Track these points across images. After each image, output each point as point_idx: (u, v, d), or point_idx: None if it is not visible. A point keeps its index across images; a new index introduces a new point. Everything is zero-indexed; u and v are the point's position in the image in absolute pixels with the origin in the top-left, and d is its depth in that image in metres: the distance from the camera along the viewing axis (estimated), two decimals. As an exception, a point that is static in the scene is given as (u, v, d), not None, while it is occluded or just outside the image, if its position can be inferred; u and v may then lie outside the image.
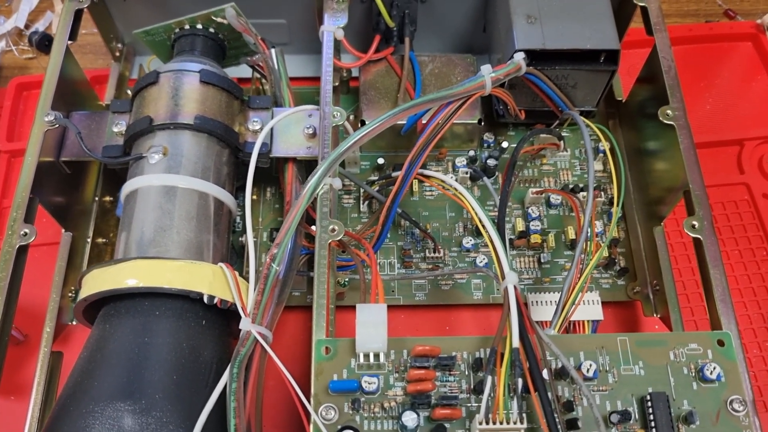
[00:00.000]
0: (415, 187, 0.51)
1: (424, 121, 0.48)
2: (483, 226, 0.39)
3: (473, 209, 0.40)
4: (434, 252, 0.49)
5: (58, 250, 0.46)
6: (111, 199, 0.50)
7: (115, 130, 0.45)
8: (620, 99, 0.54)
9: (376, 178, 0.51)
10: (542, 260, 0.49)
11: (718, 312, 0.38)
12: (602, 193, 0.51)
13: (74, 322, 0.47)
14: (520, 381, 0.33)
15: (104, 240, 0.49)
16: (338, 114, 0.44)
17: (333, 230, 0.40)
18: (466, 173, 0.51)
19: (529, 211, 0.50)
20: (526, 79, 0.47)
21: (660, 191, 0.47)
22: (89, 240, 0.48)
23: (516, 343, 0.34)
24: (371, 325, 0.36)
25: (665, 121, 0.43)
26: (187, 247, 0.40)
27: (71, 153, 0.45)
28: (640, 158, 0.50)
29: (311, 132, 0.46)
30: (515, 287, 0.36)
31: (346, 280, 0.47)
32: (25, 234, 0.40)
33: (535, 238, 0.49)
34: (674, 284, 0.46)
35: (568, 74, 0.48)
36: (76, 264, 0.47)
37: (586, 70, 0.48)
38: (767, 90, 0.59)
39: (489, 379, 0.34)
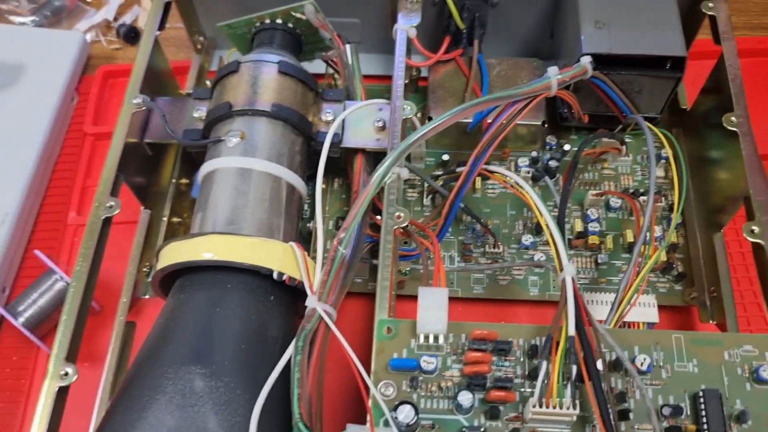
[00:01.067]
0: (478, 184, 0.53)
1: (489, 120, 0.50)
2: (543, 218, 0.40)
3: (534, 203, 0.42)
4: (494, 248, 0.50)
5: (137, 227, 0.49)
6: (187, 181, 0.52)
7: (196, 115, 0.48)
8: (684, 107, 0.54)
9: (441, 173, 0.53)
10: (599, 261, 0.49)
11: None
12: (663, 198, 0.52)
13: (147, 296, 0.50)
14: (574, 368, 0.34)
15: (179, 219, 0.52)
16: (408, 107, 0.45)
17: (399, 217, 0.42)
18: (528, 173, 0.52)
19: (588, 212, 0.51)
20: (591, 82, 0.48)
21: (721, 199, 0.47)
22: (165, 219, 0.51)
23: (572, 331, 0.35)
24: (433, 307, 0.37)
25: (729, 128, 0.44)
26: (259, 226, 0.42)
27: (154, 135, 0.48)
28: (702, 166, 0.50)
29: (381, 125, 0.48)
30: (573, 279, 0.37)
31: (408, 269, 0.49)
32: (111, 206, 0.43)
33: (593, 239, 0.49)
34: (732, 292, 0.46)
35: (634, 80, 0.49)
36: (151, 242, 0.50)
37: (652, 77, 0.48)
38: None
39: (544, 364, 0.35)
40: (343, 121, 0.48)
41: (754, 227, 0.41)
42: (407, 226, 0.42)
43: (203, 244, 0.40)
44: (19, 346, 0.51)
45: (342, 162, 0.52)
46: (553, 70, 0.45)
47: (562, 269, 0.38)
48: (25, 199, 0.53)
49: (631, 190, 0.52)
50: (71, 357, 0.39)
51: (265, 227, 0.42)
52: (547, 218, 0.40)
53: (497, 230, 0.51)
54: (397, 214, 0.42)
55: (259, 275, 0.40)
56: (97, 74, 0.62)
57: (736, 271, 0.50)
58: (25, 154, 0.55)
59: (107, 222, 0.44)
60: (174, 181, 0.52)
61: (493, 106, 0.46)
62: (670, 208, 0.51)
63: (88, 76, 0.63)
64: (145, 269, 0.49)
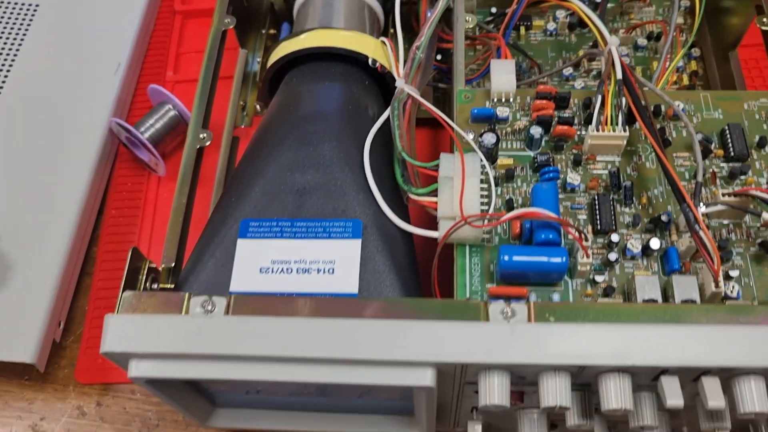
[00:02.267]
0: (522, 31, 0.61)
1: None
2: (584, 12, 0.49)
3: (579, 7, 0.50)
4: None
5: (236, 65, 0.58)
6: (274, 31, 0.61)
7: (287, -35, 0.57)
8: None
9: (491, 19, 0.61)
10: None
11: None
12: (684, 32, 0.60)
13: (243, 125, 0.58)
14: (623, 99, 0.43)
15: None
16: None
17: (467, 20, 0.50)
18: (566, 18, 0.60)
19: (619, 50, 0.59)
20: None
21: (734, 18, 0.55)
22: (259, 61, 0.59)
23: (619, 74, 0.43)
24: (504, 73, 0.46)
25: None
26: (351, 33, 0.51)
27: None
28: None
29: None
30: (617, 48, 0.45)
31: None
32: (228, 21, 0.52)
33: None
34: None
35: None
36: (248, 79, 0.58)
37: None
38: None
39: (599, 97, 0.43)
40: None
41: (764, 19, 0.49)
42: (481, 27, 0.50)
43: (308, 37, 0.48)
44: (132, 174, 0.59)
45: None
46: None
47: (606, 43, 0.46)
48: (130, 55, 0.62)
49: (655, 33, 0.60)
50: (205, 125, 0.47)
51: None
52: (585, 8, 0.48)
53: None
54: (466, 17, 0.50)
55: (356, 64, 0.48)
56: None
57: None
58: (127, 26, 0.63)
59: (222, 40, 0.52)
60: (264, 31, 0.60)
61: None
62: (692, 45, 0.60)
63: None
64: (242, 103, 0.58)
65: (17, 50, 0.60)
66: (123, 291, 0.37)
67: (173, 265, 0.42)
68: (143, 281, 0.40)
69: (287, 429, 0.47)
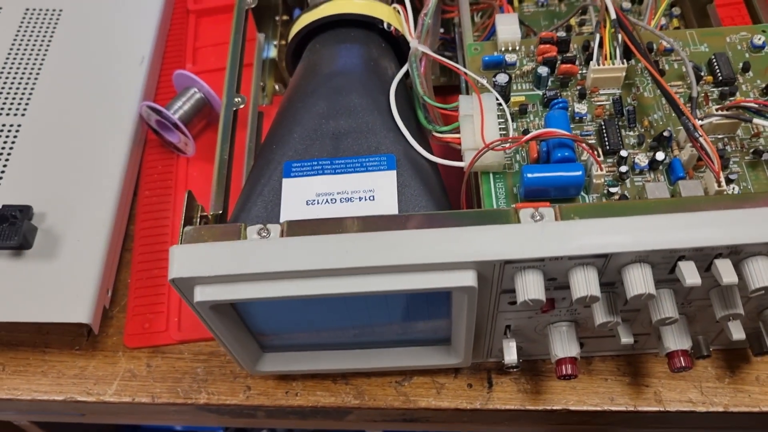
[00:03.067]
0: (516, 3, 0.66)
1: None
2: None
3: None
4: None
5: (255, 47, 0.62)
6: (287, 18, 0.65)
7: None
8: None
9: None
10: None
11: (757, 11, 0.51)
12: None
13: (264, 104, 0.62)
14: (620, 37, 0.47)
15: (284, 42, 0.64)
16: None
17: (471, -16, 0.55)
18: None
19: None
20: None
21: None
22: (275, 44, 0.64)
23: (613, 15, 0.48)
24: (508, 24, 0.50)
25: None
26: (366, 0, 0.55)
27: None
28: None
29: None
30: (609, -6, 0.50)
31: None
32: (250, 1, 0.56)
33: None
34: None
35: None
36: (266, 63, 0.63)
37: None
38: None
39: (597, 37, 0.48)
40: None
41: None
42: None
43: (327, 6, 0.53)
44: (161, 158, 0.63)
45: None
46: None
47: (599, -8, 0.51)
48: (153, 48, 0.66)
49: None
50: (238, 89, 0.51)
51: (368, 4, 0.55)
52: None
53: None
54: (469, -18, 0.55)
55: (373, 29, 0.53)
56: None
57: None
58: (147, 24, 0.68)
59: (246, 18, 0.56)
60: (277, 18, 0.65)
61: None
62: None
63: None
64: (261, 84, 0.62)
65: (46, 51, 0.65)
66: (183, 227, 0.41)
67: (220, 212, 0.45)
68: (198, 223, 0.43)
69: (333, 369, 0.50)
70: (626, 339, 0.44)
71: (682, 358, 0.44)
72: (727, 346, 0.50)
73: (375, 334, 0.48)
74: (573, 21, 0.61)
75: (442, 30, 0.63)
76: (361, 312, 0.44)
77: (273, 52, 0.64)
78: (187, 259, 0.39)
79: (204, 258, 0.39)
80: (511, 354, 0.46)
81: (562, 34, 0.61)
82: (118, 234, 0.57)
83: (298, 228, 0.40)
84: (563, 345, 0.45)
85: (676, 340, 0.44)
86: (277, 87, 0.63)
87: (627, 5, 0.63)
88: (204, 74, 0.67)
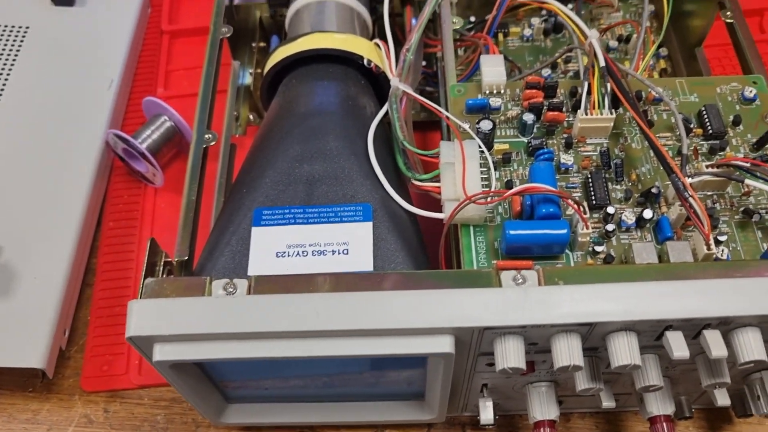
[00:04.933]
0: (500, 38, 0.64)
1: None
2: (563, 12, 0.52)
3: (558, 7, 0.53)
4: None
5: (230, 76, 0.60)
6: (264, 44, 0.63)
7: (279, -22, 0.59)
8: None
9: (471, 26, 0.64)
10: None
11: (748, 60, 0.50)
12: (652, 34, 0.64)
13: (237, 135, 0.60)
14: (608, 86, 0.45)
15: (260, 70, 0.62)
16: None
17: (454, 22, 0.53)
18: (541, 24, 0.64)
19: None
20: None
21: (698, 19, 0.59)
22: (251, 72, 0.61)
23: (602, 62, 0.46)
24: (493, 65, 0.48)
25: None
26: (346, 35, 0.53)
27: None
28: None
29: (424, -19, 0.59)
30: (597, 41, 0.48)
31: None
32: (225, 30, 0.54)
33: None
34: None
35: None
36: (241, 90, 0.60)
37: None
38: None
39: (586, 84, 0.46)
40: (396, -23, 0.59)
41: (728, 12, 0.53)
42: (461, 34, 0.53)
43: (305, 40, 0.50)
44: (128, 187, 0.60)
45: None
46: None
47: (587, 38, 0.49)
48: (122, 72, 0.63)
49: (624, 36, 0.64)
50: (209, 125, 0.48)
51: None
52: (563, 8, 0.52)
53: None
54: (453, 20, 0.53)
55: (352, 65, 0.51)
56: (166, -11, 0.73)
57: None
58: (117, 45, 0.65)
59: (220, 48, 0.54)
60: (254, 45, 0.62)
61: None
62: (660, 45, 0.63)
63: (158, -9, 0.74)
64: (235, 113, 0.60)
65: (9, 71, 0.62)
66: (144, 279, 0.38)
67: (186, 258, 0.43)
68: (160, 272, 0.41)
69: (300, 422, 0.47)
70: (608, 403, 0.42)
71: (664, 425, 0.42)
72: (709, 406, 0.48)
73: (346, 385, 0.46)
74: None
75: (424, 63, 0.61)
76: (332, 363, 0.42)
77: (248, 80, 0.62)
78: (146, 315, 0.37)
79: (165, 315, 0.37)
80: (487, 413, 0.44)
81: (548, 71, 0.60)
82: (79, 268, 0.55)
83: (266, 284, 0.37)
84: (542, 407, 0.43)
85: (659, 405, 0.43)
86: (251, 117, 0.61)
87: (614, 44, 0.62)
88: (176, 99, 0.64)
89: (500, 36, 0.64)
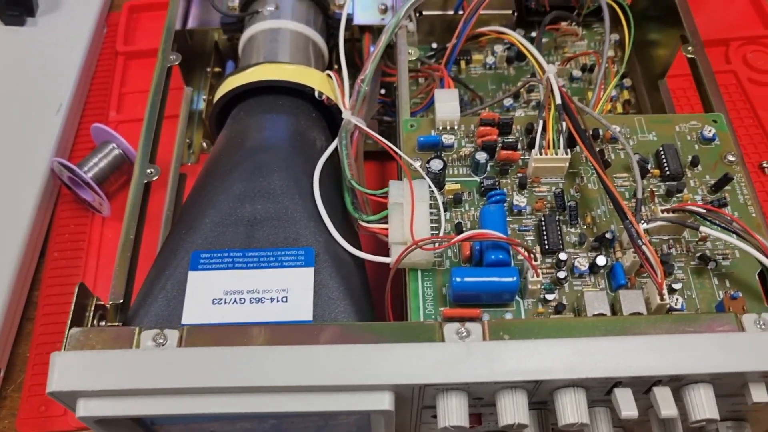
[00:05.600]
0: (463, 65, 0.63)
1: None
2: (520, 42, 0.50)
3: (517, 39, 0.52)
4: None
5: (182, 102, 0.58)
6: (219, 69, 0.61)
7: (230, 5, 0.57)
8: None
9: (432, 53, 0.63)
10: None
11: (709, 97, 0.49)
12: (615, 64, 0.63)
13: (190, 163, 0.58)
14: (563, 124, 0.44)
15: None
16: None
17: (410, 53, 0.51)
18: (504, 52, 0.62)
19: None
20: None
21: (661, 50, 0.58)
22: (204, 98, 0.59)
23: (558, 100, 0.45)
24: (447, 101, 0.47)
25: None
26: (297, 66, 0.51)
27: (196, 23, 0.57)
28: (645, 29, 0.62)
29: (383, 8, 0.58)
30: (554, 76, 0.47)
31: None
32: (173, 58, 0.52)
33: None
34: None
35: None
36: (194, 116, 0.58)
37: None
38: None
39: (540, 122, 0.45)
40: (353, 3, 0.58)
41: (689, 47, 0.52)
42: (422, 62, 0.52)
43: (255, 71, 0.49)
44: (75, 215, 0.58)
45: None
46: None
47: (544, 72, 0.48)
48: (72, 95, 0.61)
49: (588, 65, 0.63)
50: (152, 160, 0.47)
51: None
52: (523, 41, 0.50)
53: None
54: (409, 51, 0.52)
55: (303, 97, 0.49)
56: (123, 9, 0.70)
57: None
58: (69, 67, 0.63)
59: (168, 76, 0.52)
60: (209, 70, 0.61)
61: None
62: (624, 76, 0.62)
63: (115, 12, 0.71)
64: (188, 141, 0.58)
65: (-48, 93, 0.59)
66: (70, 328, 0.36)
67: (121, 301, 0.41)
68: (90, 318, 0.39)
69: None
70: (559, 456, 0.41)
71: (618, 477, 0.41)
72: (668, 453, 0.47)
73: (295, 430, 0.44)
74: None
75: (384, 92, 0.60)
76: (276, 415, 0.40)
77: (203, 105, 0.60)
78: (69, 369, 0.35)
79: (89, 369, 0.35)
80: (437, 464, 0.42)
81: (510, 101, 0.59)
82: (18, 302, 0.52)
83: (198, 336, 0.35)
84: (493, 457, 0.42)
85: (612, 457, 0.41)
86: (204, 144, 0.59)
87: (577, 74, 0.61)
88: (129, 124, 0.62)
89: (462, 63, 0.62)
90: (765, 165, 0.62)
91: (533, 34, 0.64)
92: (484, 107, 0.57)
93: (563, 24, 0.62)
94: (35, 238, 0.55)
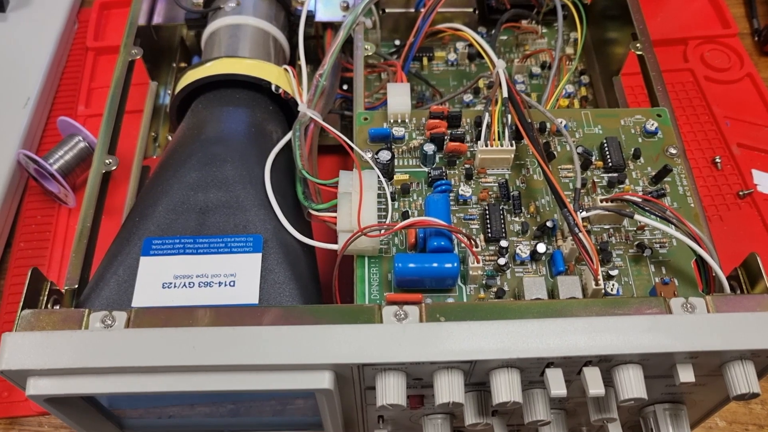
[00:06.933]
0: (425, 62, 0.64)
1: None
2: (475, 39, 0.52)
3: (471, 35, 0.53)
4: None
5: (146, 97, 0.59)
6: (185, 65, 0.62)
7: (195, 1, 0.58)
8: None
9: (394, 50, 0.64)
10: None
11: (655, 92, 0.50)
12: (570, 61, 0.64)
13: (155, 156, 0.59)
14: (509, 117, 0.46)
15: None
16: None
17: (366, 48, 0.53)
18: (465, 49, 0.64)
19: (515, 78, 0.63)
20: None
21: (616, 47, 0.60)
22: (170, 92, 0.61)
23: (505, 93, 0.46)
24: (399, 95, 0.48)
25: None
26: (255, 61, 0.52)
27: (161, 19, 0.59)
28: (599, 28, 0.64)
29: (345, 5, 0.59)
30: (503, 71, 0.48)
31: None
32: (135, 52, 0.53)
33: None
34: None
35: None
36: (158, 109, 0.60)
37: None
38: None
39: (486, 115, 0.46)
40: (315, 0, 0.59)
41: (638, 44, 0.54)
42: (384, 58, 0.53)
43: (214, 65, 0.50)
44: (42, 207, 0.59)
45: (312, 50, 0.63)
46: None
47: (495, 66, 0.49)
48: (41, 89, 0.62)
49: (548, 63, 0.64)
50: (111, 150, 0.48)
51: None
52: (476, 37, 0.52)
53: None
54: (365, 46, 0.53)
55: (260, 90, 0.50)
56: (94, 5, 0.72)
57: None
58: (38, 62, 0.64)
59: (130, 70, 0.53)
60: (175, 65, 0.62)
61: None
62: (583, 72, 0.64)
63: (86, 8, 0.73)
64: (153, 134, 0.59)
65: None
66: (21, 310, 0.37)
67: (77, 287, 0.42)
68: (44, 302, 0.40)
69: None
70: (501, 437, 0.42)
71: (559, 458, 0.42)
72: (612, 437, 0.48)
73: (253, 413, 0.45)
74: (482, 83, 0.60)
75: (345, 87, 0.61)
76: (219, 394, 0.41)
77: (168, 100, 0.61)
78: (19, 348, 0.36)
79: (39, 348, 0.36)
80: (384, 445, 0.44)
81: (470, 96, 0.60)
82: (-17, 292, 0.53)
83: (145, 317, 0.37)
84: (437, 436, 0.43)
85: (553, 439, 0.43)
86: (170, 138, 0.60)
87: (537, 71, 0.63)
88: (97, 118, 0.63)
89: (425, 60, 0.64)
90: (718, 160, 0.63)
91: (494, 32, 0.65)
92: (443, 101, 0.59)
93: (524, 22, 0.64)
94: (1, 228, 0.56)
